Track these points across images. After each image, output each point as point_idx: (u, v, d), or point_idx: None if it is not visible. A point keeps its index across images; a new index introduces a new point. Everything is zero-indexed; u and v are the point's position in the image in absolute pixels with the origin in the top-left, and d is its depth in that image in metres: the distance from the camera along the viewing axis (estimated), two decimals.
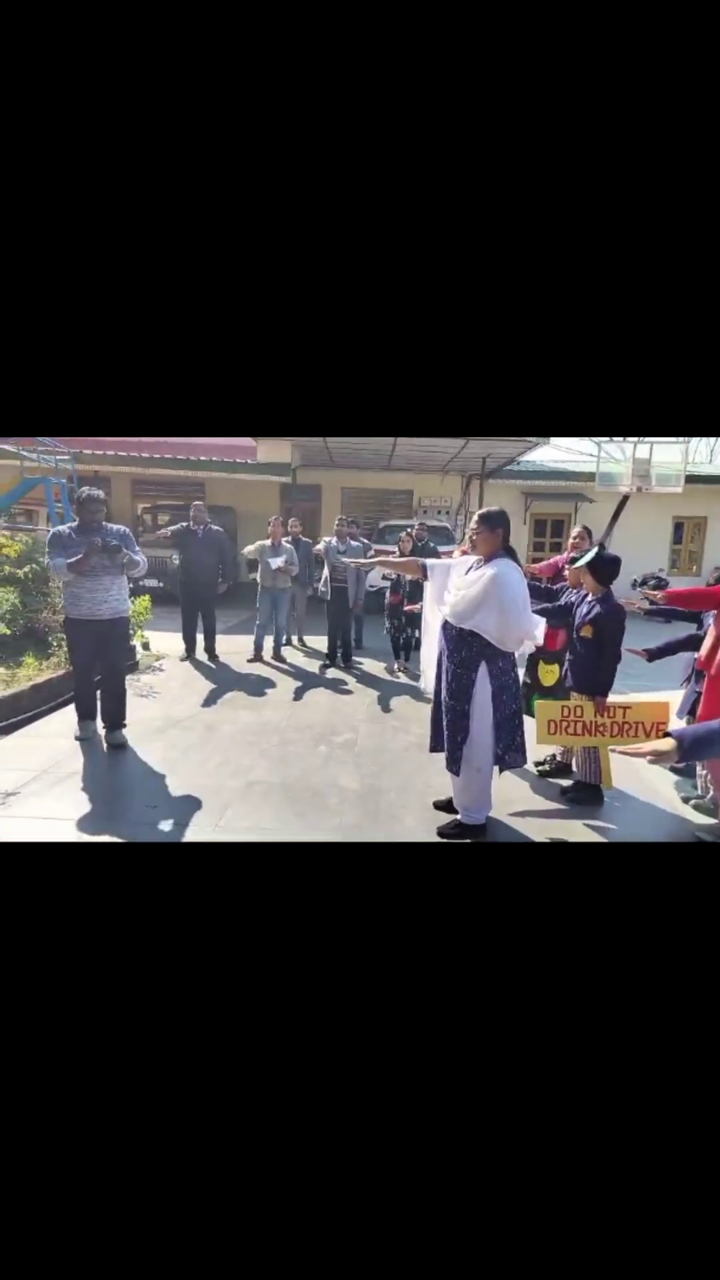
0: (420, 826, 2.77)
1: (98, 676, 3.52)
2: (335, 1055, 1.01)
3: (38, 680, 4.26)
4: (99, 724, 3.61)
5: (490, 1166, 0.93)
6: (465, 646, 2.56)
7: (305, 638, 6.58)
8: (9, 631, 4.54)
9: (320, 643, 6.01)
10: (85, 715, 3.60)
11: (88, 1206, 0.90)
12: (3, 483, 7.46)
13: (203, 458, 9.71)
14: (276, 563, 5.54)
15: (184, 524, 5.47)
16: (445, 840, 2.64)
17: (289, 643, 6.31)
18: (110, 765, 3.32)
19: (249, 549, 5.78)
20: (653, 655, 3.19)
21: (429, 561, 3.00)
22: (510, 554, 2.61)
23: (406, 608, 5.19)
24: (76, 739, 3.56)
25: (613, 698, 3.05)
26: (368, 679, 5.34)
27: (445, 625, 2.65)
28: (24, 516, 10.28)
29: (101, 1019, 1.02)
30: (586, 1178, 0.92)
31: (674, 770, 3.41)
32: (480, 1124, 0.96)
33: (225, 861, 1.23)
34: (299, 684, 5.07)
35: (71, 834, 2.57)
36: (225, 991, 1.05)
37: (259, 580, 5.67)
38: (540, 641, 2.83)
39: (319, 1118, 0.96)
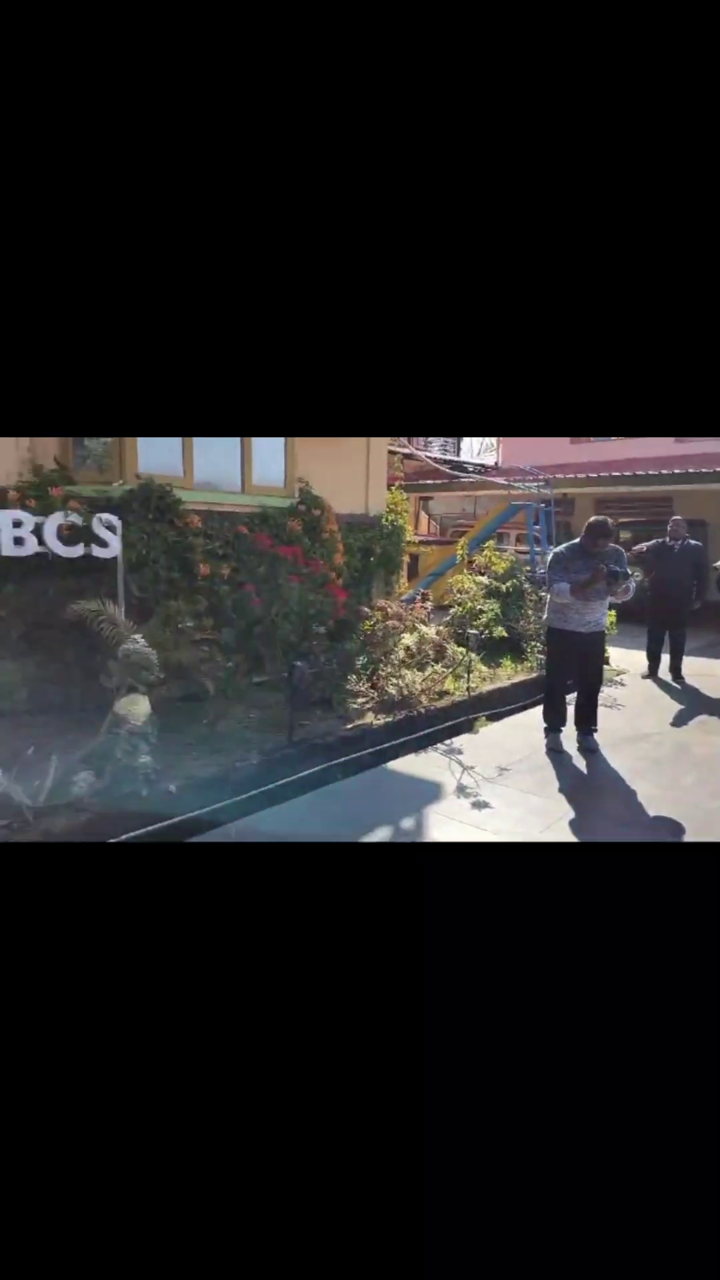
0: None
1: (569, 680, 3.82)
2: (356, 1056, 0.99)
3: (516, 679, 4.95)
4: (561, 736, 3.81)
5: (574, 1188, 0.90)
6: None
7: None
8: (505, 635, 5.38)
9: None
10: (554, 727, 3.82)
11: (97, 1200, 0.90)
12: (491, 509, 8.77)
13: (669, 471, 9.19)
14: None
15: (660, 540, 5.38)
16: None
17: None
18: (580, 761, 3.63)
19: None
20: None
21: None
22: None
23: None
24: (548, 752, 3.70)
25: None
26: None
27: None
28: (497, 539, 11.86)
29: (139, 1024, 1.01)
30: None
31: None
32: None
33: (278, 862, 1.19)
34: None
35: (557, 813, 2.95)
36: (244, 996, 1.03)
37: None
38: None
39: (338, 1113, 0.95)
